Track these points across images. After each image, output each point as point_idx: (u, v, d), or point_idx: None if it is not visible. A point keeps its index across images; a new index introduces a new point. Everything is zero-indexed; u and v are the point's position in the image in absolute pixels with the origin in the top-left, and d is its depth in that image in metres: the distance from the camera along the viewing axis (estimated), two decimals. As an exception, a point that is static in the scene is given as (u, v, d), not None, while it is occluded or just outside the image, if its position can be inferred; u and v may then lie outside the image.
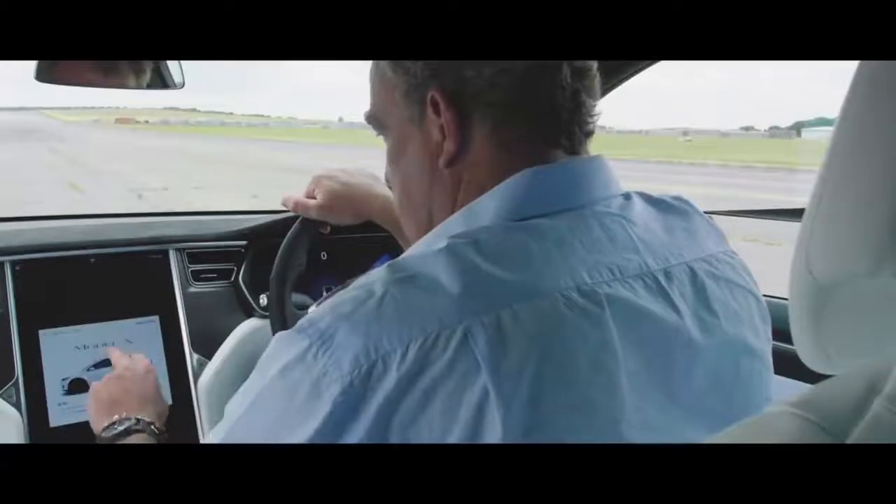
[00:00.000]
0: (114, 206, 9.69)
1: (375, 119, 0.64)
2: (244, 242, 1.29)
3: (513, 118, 0.56)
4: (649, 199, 0.62)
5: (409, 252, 0.58)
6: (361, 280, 0.52)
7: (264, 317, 1.22)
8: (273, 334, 1.04)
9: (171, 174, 15.65)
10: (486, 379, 0.45)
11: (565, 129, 0.57)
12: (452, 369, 0.46)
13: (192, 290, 1.24)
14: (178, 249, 1.25)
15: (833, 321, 0.29)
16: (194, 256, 1.26)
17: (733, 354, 0.57)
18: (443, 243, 0.52)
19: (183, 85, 1.07)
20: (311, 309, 0.49)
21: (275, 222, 1.28)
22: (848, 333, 0.29)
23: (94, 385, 0.96)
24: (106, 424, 0.88)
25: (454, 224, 0.57)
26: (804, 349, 0.31)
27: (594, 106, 0.59)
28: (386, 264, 0.52)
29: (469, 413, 0.45)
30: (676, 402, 0.53)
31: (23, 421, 1.08)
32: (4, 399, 1.08)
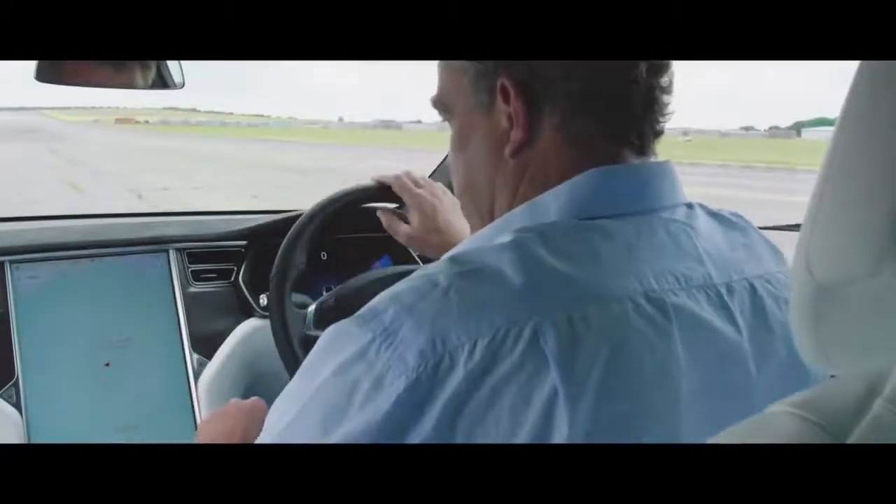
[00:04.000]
0: (114, 206, 9.67)
1: (441, 104, 0.62)
2: (244, 242, 1.29)
3: (583, 111, 0.55)
4: (709, 212, 0.60)
5: (469, 244, 0.58)
6: (420, 272, 0.51)
7: (264, 317, 1.22)
8: (273, 334, 1.05)
9: (171, 174, 15.65)
10: (555, 378, 0.44)
11: (636, 126, 0.56)
12: (521, 367, 0.45)
13: (192, 290, 1.24)
14: (178, 249, 1.25)
15: (833, 321, 0.29)
16: (194, 256, 1.26)
17: (789, 376, 0.55)
18: (507, 237, 0.51)
19: (183, 85, 1.07)
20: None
21: (275, 222, 1.28)
22: (848, 333, 0.29)
23: (200, 423, 0.88)
24: None
25: (517, 217, 0.56)
26: (805, 349, 0.31)
27: (667, 104, 0.57)
28: (447, 256, 0.51)
29: (537, 412, 0.44)
30: (729, 419, 0.50)
31: (23, 421, 1.08)
32: (4, 399, 1.08)
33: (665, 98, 0.56)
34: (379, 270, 1.20)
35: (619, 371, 0.46)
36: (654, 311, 0.49)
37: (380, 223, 1.06)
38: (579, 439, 0.44)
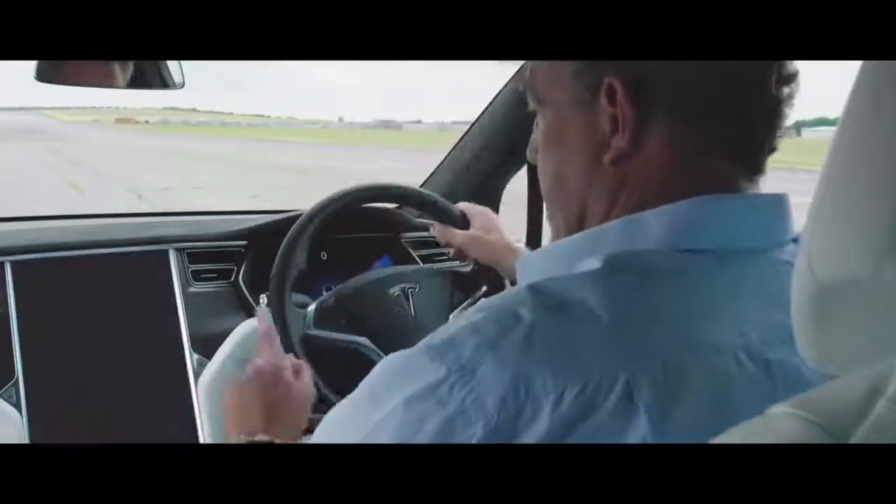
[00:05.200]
0: (114, 206, 9.67)
1: (534, 92, 0.56)
2: (244, 242, 1.29)
3: (699, 123, 0.49)
4: None
5: (547, 257, 0.53)
6: (496, 301, 0.46)
7: (264, 317, 1.22)
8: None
9: (171, 174, 15.64)
10: (645, 430, 0.40)
11: (755, 143, 0.51)
12: (612, 421, 0.41)
13: (192, 290, 1.24)
14: (178, 249, 1.25)
15: (835, 321, 0.29)
16: (194, 256, 1.26)
17: None
18: (597, 261, 0.46)
19: (183, 85, 1.07)
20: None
21: (275, 222, 1.28)
22: (850, 334, 0.29)
23: (226, 390, 0.84)
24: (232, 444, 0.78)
25: (611, 236, 0.50)
26: (806, 349, 0.31)
27: (787, 118, 0.51)
28: (528, 285, 0.46)
29: None
30: None
31: (23, 421, 1.08)
32: (4, 399, 1.08)
33: (788, 111, 0.51)
34: (379, 270, 1.20)
35: (714, 430, 0.43)
36: (755, 368, 0.44)
37: (380, 223, 1.07)
38: None
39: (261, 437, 0.75)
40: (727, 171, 0.50)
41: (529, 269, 0.55)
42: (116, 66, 1.02)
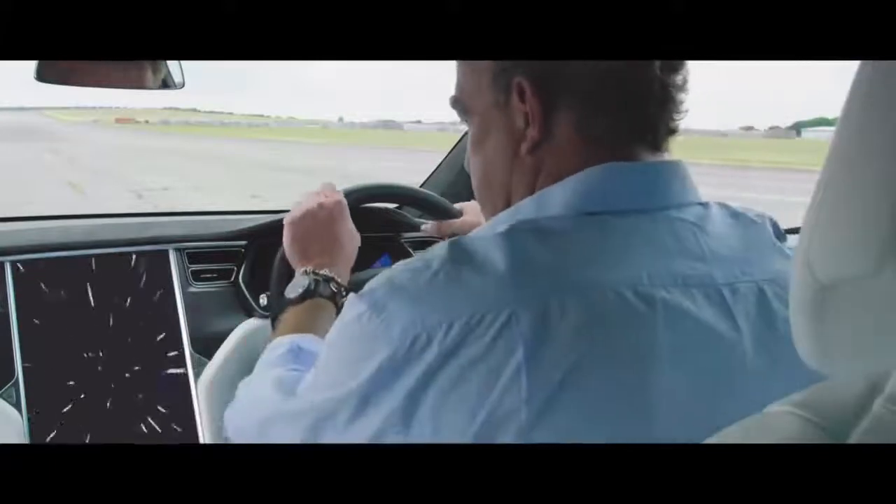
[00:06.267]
0: (114, 206, 9.67)
1: (460, 103, 0.64)
2: (244, 242, 1.29)
3: (599, 109, 0.56)
4: (729, 212, 0.60)
5: (478, 231, 0.59)
6: (427, 252, 0.54)
7: (264, 317, 1.22)
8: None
9: (171, 174, 15.64)
10: (520, 358, 0.47)
11: (651, 123, 0.57)
12: (492, 349, 0.47)
13: (192, 290, 1.24)
14: (178, 249, 1.25)
15: (834, 321, 0.29)
16: (194, 256, 1.26)
17: (793, 380, 0.54)
18: (506, 226, 0.53)
19: (183, 85, 1.07)
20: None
21: (275, 222, 1.28)
22: (849, 333, 0.29)
23: (287, 222, 0.96)
24: (296, 277, 0.91)
25: (524, 208, 0.57)
26: (805, 349, 0.31)
27: (682, 102, 0.58)
28: (450, 240, 0.54)
29: (500, 392, 0.47)
30: (716, 418, 0.50)
31: (23, 421, 1.08)
32: (4, 399, 1.08)
33: (680, 96, 0.57)
34: (378, 270, 1.20)
35: (591, 357, 0.47)
36: (639, 303, 0.49)
37: (380, 223, 1.07)
38: (533, 420, 0.46)
39: (325, 272, 0.89)
40: (631, 150, 0.57)
41: None
42: (117, 66, 1.02)
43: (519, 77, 0.56)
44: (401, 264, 0.55)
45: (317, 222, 0.95)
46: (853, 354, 0.30)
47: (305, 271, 0.90)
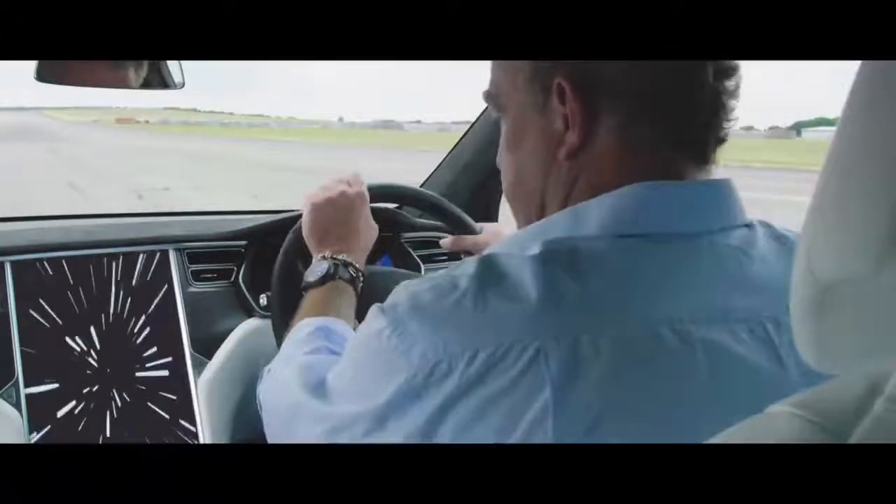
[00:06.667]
0: (114, 206, 9.67)
1: (494, 99, 0.60)
2: (244, 242, 1.29)
3: (644, 115, 0.52)
4: (773, 234, 0.56)
5: (507, 245, 0.56)
6: (452, 269, 0.51)
7: (264, 317, 1.22)
8: (274, 334, 1.05)
9: (171, 174, 15.63)
10: (548, 398, 0.43)
11: (700, 133, 0.53)
12: (516, 385, 0.44)
13: (192, 290, 1.24)
14: (178, 249, 1.25)
15: (835, 321, 0.29)
16: (194, 256, 1.26)
17: None
18: (538, 247, 0.50)
19: (183, 85, 1.07)
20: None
21: (275, 222, 1.28)
22: (850, 333, 0.29)
23: (305, 207, 0.98)
24: (314, 262, 0.92)
25: (556, 225, 0.54)
26: (806, 349, 0.31)
27: (733, 109, 0.54)
28: (479, 257, 0.51)
29: (524, 431, 0.44)
30: None
31: (23, 421, 1.08)
32: (4, 399, 1.08)
33: (732, 103, 0.54)
34: (378, 270, 1.20)
35: (620, 405, 0.44)
36: (677, 343, 0.46)
37: (380, 223, 1.06)
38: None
39: (343, 257, 0.91)
40: (675, 161, 0.53)
41: None
42: (116, 66, 1.01)
43: (559, 78, 0.52)
44: (427, 280, 0.51)
45: (337, 210, 0.96)
46: (854, 354, 0.30)
47: (324, 256, 0.91)
